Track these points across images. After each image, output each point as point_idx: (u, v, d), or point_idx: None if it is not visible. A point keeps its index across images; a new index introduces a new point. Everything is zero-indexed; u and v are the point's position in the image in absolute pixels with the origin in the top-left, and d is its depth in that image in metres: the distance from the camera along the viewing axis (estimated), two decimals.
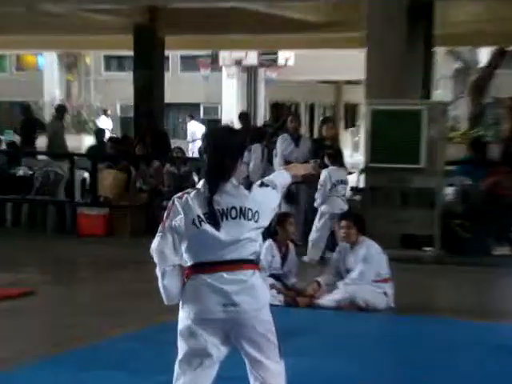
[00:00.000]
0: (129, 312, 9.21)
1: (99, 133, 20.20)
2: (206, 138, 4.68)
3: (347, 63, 25.68)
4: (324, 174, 11.86)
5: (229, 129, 4.98)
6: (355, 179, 14.41)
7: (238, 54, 32.93)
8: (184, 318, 4.43)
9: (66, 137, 20.70)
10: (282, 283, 9.16)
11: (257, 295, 4.34)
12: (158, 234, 4.34)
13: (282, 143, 13.19)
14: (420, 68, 14.02)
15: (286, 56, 33.71)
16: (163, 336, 7.61)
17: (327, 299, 8.50)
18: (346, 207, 11.67)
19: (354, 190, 14.24)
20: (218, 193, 4.29)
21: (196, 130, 29.61)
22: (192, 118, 32.33)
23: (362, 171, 13.51)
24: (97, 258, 12.50)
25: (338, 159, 13.15)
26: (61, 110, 21.71)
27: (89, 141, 23.11)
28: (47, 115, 29.27)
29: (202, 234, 4.21)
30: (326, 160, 13.00)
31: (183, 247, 4.31)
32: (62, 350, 7.43)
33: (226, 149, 4.35)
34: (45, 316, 9.24)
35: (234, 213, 4.32)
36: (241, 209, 4.34)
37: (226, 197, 4.31)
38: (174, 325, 7.49)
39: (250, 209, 4.32)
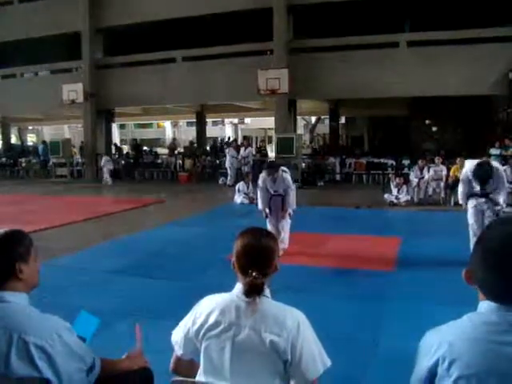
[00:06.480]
0: (199, 206, 8.84)
1: (186, 148, 19.09)
2: None
3: (270, 121, 22.91)
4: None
5: None
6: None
7: (230, 119, 30.46)
8: None
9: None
10: (248, 196, 8.91)
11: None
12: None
13: (243, 150, 12.86)
14: (291, 125, 12.98)
15: (246, 119, 31.72)
16: (224, 211, 8.08)
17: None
18: None
19: None
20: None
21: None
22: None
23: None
24: (186, 190, 11.85)
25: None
26: (173, 142, 21.99)
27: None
28: (167, 144, 27.00)
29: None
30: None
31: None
32: (181, 218, 7.13)
33: None
34: (170, 207, 8.96)
35: None
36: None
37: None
38: (222, 207, 8.25)
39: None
